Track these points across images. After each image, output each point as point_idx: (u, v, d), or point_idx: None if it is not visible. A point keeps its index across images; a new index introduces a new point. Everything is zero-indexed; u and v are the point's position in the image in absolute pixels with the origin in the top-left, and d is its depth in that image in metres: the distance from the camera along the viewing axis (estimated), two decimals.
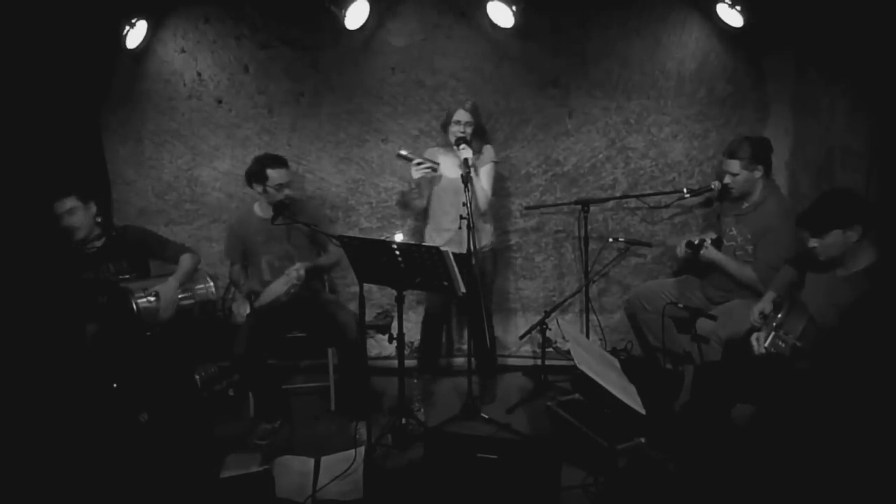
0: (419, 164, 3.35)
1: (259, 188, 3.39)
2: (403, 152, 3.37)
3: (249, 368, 3.27)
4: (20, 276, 3.22)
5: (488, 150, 3.54)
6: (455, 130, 3.40)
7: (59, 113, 3.61)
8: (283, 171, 3.38)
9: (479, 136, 3.50)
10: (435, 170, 3.40)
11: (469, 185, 3.21)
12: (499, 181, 4.00)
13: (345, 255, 2.97)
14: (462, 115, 3.40)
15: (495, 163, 3.56)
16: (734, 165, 3.21)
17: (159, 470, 2.91)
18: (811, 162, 3.60)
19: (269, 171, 3.35)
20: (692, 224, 3.98)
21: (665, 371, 3.52)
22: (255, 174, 3.38)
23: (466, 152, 3.28)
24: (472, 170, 3.26)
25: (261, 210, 3.48)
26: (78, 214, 3.19)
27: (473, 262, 3.15)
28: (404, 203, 3.93)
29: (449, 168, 3.48)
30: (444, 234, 3.51)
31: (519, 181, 4.01)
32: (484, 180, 3.47)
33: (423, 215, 3.73)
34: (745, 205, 3.28)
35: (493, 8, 3.60)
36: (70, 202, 3.18)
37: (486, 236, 3.56)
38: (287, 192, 3.39)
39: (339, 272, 3.98)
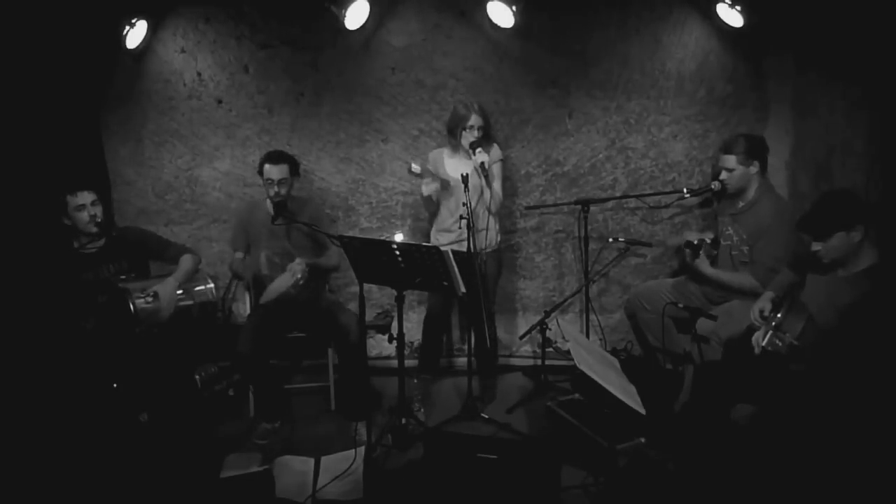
0: (430, 182, 3.37)
1: (261, 181, 3.45)
2: (416, 170, 3.38)
3: (253, 368, 3.28)
4: (20, 276, 3.22)
5: (495, 150, 3.55)
6: (469, 136, 3.39)
7: (59, 113, 3.60)
8: (277, 167, 3.37)
9: (487, 136, 3.49)
10: (446, 188, 3.43)
11: (474, 184, 3.24)
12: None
13: (345, 257, 2.98)
14: (476, 120, 3.39)
15: (501, 161, 3.57)
16: (730, 161, 3.22)
17: (159, 470, 2.91)
18: (811, 162, 3.60)
19: (266, 166, 3.38)
20: (692, 224, 3.98)
21: (665, 371, 3.52)
22: (258, 167, 3.44)
23: (483, 156, 3.31)
24: (489, 173, 3.29)
25: (269, 204, 3.49)
26: (98, 207, 3.20)
27: (477, 261, 3.15)
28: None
29: (455, 169, 3.47)
30: (449, 235, 3.52)
31: (519, 181, 4.01)
32: (495, 182, 3.47)
33: (430, 217, 3.74)
34: (741, 204, 3.29)
35: (493, 8, 3.60)
36: (91, 195, 3.18)
37: (493, 237, 3.56)
38: (278, 190, 3.37)
39: (339, 272, 3.98)
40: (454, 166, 3.50)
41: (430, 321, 3.84)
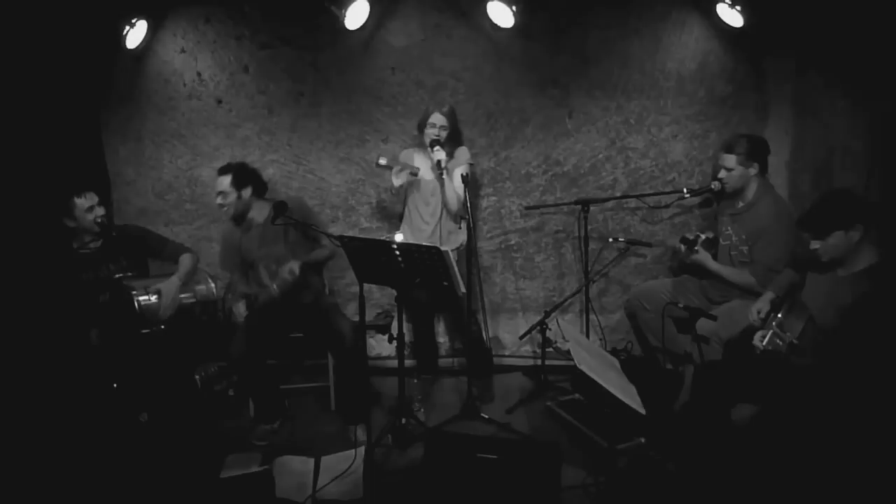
0: (400, 170, 3.40)
1: None
2: (383, 161, 3.43)
3: (247, 370, 3.27)
4: (20, 278, 3.22)
5: (462, 153, 3.54)
6: (430, 133, 3.43)
7: (59, 113, 3.61)
8: (219, 178, 3.29)
9: (453, 140, 3.51)
10: (415, 174, 3.46)
11: (433, 183, 3.27)
12: (499, 181, 4.02)
13: (337, 248, 2.97)
14: (438, 119, 3.42)
15: (470, 164, 3.53)
16: (730, 160, 3.23)
17: (159, 470, 2.91)
18: (811, 162, 3.60)
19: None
20: (692, 224, 3.97)
21: (665, 371, 3.52)
22: None
23: (440, 154, 3.33)
24: (444, 171, 3.32)
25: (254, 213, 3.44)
26: (101, 207, 3.22)
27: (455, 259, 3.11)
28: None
29: (425, 169, 3.52)
30: (419, 235, 3.54)
31: (519, 181, 4.01)
32: (457, 182, 3.45)
33: (398, 217, 3.77)
34: (740, 204, 3.29)
35: (493, 8, 3.60)
36: (94, 196, 3.20)
37: (458, 238, 3.57)
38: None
39: (339, 272, 3.98)
40: (421, 163, 3.54)
41: (415, 322, 3.86)
